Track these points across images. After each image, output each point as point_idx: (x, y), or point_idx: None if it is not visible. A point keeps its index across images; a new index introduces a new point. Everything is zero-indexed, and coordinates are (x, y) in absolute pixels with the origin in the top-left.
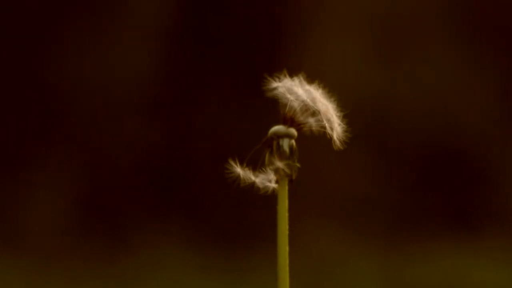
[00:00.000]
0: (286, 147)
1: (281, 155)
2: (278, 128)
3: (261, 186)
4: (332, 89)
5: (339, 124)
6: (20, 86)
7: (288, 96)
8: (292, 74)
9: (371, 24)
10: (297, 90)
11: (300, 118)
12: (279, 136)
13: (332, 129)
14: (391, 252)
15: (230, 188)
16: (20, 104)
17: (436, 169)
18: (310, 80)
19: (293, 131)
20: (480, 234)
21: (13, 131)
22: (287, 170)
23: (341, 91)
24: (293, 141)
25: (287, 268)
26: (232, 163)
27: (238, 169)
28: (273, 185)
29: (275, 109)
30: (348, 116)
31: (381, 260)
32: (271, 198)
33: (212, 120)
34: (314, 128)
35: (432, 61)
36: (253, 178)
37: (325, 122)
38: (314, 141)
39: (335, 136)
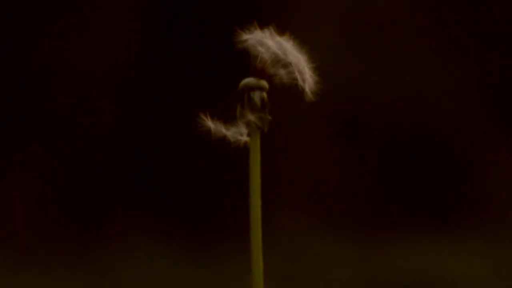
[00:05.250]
0: (257, 100)
1: (253, 108)
2: (248, 80)
3: (232, 139)
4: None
5: (311, 76)
6: None
7: (259, 48)
8: (262, 26)
9: (347, 16)
10: (267, 42)
11: (271, 70)
12: (250, 88)
13: (304, 80)
14: (367, 243)
15: (204, 178)
16: None
17: (413, 161)
18: (281, 32)
19: (264, 83)
20: (457, 225)
21: None
22: (258, 123)
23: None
24: (264, 94)
25: (259, 232)
26: (203, 116)
27: (209, 123)
28: (244, 138)
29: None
30: (324, 108)
31: (356, 251)
32: (245, 187)
33: (186, 109)
34: (285, 80)
35: (407, 49)
36: (224, 131)
37: (296, 73)
38: (290, 131)
39: (306, 88)
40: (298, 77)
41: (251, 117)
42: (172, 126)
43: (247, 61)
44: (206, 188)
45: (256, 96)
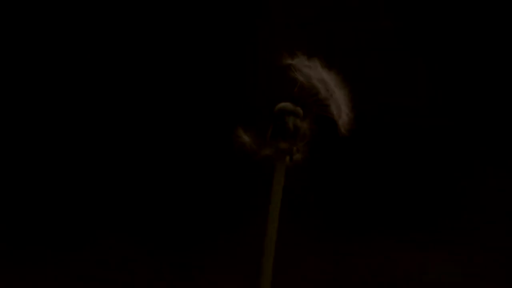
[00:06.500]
0: (290, 125)
1: (285, 132)
2: (285, 104)
3: (261, 159)
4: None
5: (347, 112)
6: None
7: (302, 75)
8: (307, 55)
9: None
10: (312, 71)
11: (309, 99)
12: (285, 112)
13: (339, 116)
14: (339, 247)
15: (182, 184)
16: None
17: (386, 162)
18: (325, 64)
19: (300, 110)
20: (431, 229)
21: None
22: (288, 147)
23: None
24: (298, 120)
25: (273, 246)
26: (241, 131)
27: (245, 138)
28: (272, 159)
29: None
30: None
31: (329, 255)
32: (225, 195)
33: (169, 113)
34: (321, 111)
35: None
36: (255, 149)
37: (333, 107)
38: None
39: (340, 123)
40: (335, 112)
41: (282, 140)
42: (155, 130)
43: (287, 86)
44: (186, 193)
45: (290, 121)
